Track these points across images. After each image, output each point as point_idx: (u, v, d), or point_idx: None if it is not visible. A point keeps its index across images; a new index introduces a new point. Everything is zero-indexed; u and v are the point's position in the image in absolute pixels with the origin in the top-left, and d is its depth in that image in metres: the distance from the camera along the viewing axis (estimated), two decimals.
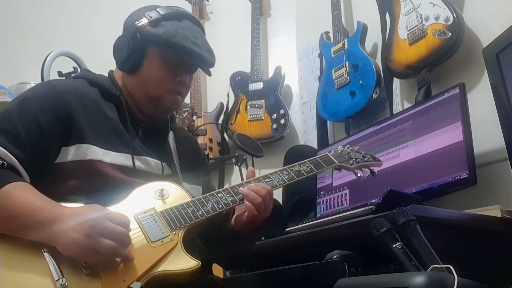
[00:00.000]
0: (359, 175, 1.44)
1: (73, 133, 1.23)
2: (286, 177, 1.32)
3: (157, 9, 1.35)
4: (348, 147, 1.48)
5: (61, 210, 1.09)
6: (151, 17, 1.33)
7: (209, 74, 1.45)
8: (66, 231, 1.05)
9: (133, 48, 1.33)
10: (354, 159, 1.43)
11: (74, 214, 1.08)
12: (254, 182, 1.29)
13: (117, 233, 1.05)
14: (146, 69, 1.34)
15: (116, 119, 1.32)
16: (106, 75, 1.42)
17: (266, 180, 1.30)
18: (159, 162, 1.35)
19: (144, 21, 1.33)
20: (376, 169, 1.48)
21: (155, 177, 1.31)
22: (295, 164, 1.36)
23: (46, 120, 1.21)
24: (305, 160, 1.37)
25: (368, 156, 1.47)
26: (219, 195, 1.25)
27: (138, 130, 1.37)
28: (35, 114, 1.21)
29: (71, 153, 1.22)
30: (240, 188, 1.26)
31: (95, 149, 1.23)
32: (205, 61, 1.38)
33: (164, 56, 1.33)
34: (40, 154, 1.19)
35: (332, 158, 1.42)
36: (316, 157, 1.40)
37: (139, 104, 1.37)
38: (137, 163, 1.29)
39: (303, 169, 1.35)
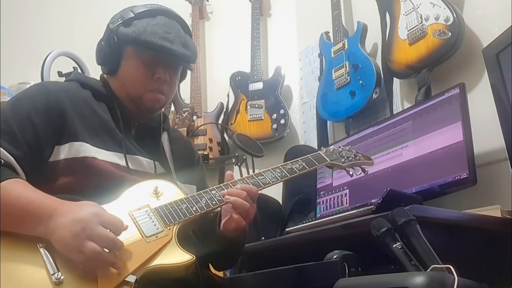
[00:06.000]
0: (351, 173, 1.46)
1: (66, 132, 1.25)
2: (279, 174, 1.33)
3: (132, 9, 1.36)
4: (340, 147, 1.50)
5: (58, 205, 1.10)
6: (125, 17, 1.35)
7: (190, 68, 1.44)
8: (59, 227, 1.06)
9: (109, 50, 1.35)
10: (346, 157, 1.45)
11: (69, 211, 1.08)
12: (241, 182, 1.29)
13: (104, 238, 1.05)
14: (124, 69, 1.36)
15: (109, 119, 1.33)
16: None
17: (259, 177, 1.31)
18: (152, 161, 1.36)
19: (118, 22, 1.35)
20: (367, 168, 1.50)
21: (148, 176, 1.32)
22: (288, 162, 1.37)
23: (39, 119, 1.23)
24: (298, 159, 1.39)
25: (360, 155, 1.49)
26: (212, 192, 1.26)
27: (131, 130, 1.38)
28: (28, 113, 1.23)
29: (65, 151, 1.23)
30: (223, 193, 1.24)
31: (88, 146, 1.25)
32: (177, 56, 1.35)
33: (139, 54, 1.34)
34: (35, 152, 1.21)
35: (324, 156, 1.43)
36: (308, 155, 1.42)
37: (125, 105, 1.38)
38: (130, 162, 1.30)
39: (295, 167, 1.36)
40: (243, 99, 2.74)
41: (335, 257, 1.19)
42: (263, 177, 1.32)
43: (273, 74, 2.76)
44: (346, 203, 1.91)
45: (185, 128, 2.67)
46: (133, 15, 1.35)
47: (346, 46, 2.25)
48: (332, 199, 1.99)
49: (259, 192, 1.29)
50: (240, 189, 1.25)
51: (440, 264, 0.99)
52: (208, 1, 3.15)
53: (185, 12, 3.02)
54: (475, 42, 1.80)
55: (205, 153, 2.47)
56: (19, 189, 1.12)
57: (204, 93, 2.97)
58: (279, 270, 1.37)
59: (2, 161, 1.15)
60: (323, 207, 2.02)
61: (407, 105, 2.05)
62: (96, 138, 1.28)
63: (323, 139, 2.40)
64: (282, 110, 2.64)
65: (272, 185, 1.32)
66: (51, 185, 1.21)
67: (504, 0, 1.68)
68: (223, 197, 1.24)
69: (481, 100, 1.67)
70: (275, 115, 2.64)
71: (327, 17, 2.39)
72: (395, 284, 0.92)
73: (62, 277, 1.03)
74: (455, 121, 1.59)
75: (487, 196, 1.62)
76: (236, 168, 2.44)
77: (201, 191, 1.27)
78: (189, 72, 1.50)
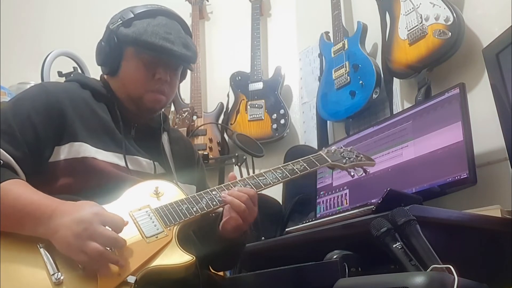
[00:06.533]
0: (352, 173, 1.46)
1: (66, 132, 1.25)
2: (280, 175, 1.33)
3: (132, 10, 1.36)
4: (341, 147, 1.50)
5: (57, 205, 1.10)
6: (125, 18, 1.35)
7: (191, 69, 1.44)
8: (60, 227, 1.06)
9: (109, 50, 1.35)
10: (347, 158, 1.45)
11: (70, 211, 1.09)
12: (242, 183, 1.29)
13: (106, 238, 1.06)
14: (124, 70, 1.36)
15: (109, 120, 1.33)
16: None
17: (260, 178, 1.31)
18: (151, 161, 1.36)
19: (118, 22, 1.35)
20: (368, 168, 1.49)
21: (148, 176, 1.32)
22: (289, 162, 1.38)
23: (39, 119, 1.23)
24: (299, 159, 1.39)
25: (361, 155, 1.49)
26: (213, 192, 1.26)
27: (131, 130, 1.38)
28: (28, 114, 1.23)
29: (65, 152, 1.23)
30: (223, 194, 1.25)
31: (87, 147, 1.25)
32: (178, 56, 1.35)
33: (140, 55, 1.34)
34: (34, 152, 1.21)
35: (325, 157, 1.43)
36: (309, 156, 1.42)
37: (125, 105, 1.38)
38: (129, 162, 1.30)
39: (296, 168, 1.36)
40: (243, 99, 2.74)
41: (335, 257, 1.19)
42: (264, 177, 1.32)
43: (273, 74, 2.76)
44: (346, 203, 1.91)
45: (185, 128, 2.67)
46: (133, 16, 1.35)
47: (346, 46, 2.25)
48: (332, 199, 1.99)
49: (259, 192, 1.29)
50: (241, 191, 1.25)
51: (440, 264, 0.99)
52: (208, 1, 3.16)
53: (185, 12, 3.02)
54: (475, 42, 1.80)
55: (205, 153, 2.47)
56: (19, 189, 1.12)
57: (204, 93, 2.97)
58: (279, 270, 1.37)
59: (2, 161, 1.15)
60: (323, 207, 2.02)
61: (407, 105, 2.05)
62: (96, 138, 1.28)
63: (323, 139, 2.40)
64: (282, 110, 2.64)
65: (273, 185, 1.32)
66: (51, 185, 1.21)
67: (504, 0, 1.68)
68: (224, 200, 1.24)
69: (481, 100, 1.67)
70: (275, 115, 2.64)
71: (327, 17, 2.39)
72: (395, 284, 0.92)
73: (62, 278, 1.04)
74: (455, 121, 1.59)
75: (487, 196, 1.62)
76: (236, 168, 2.45)
77: (201, 192, 1.27)
78: (189, 72, 1.50)
